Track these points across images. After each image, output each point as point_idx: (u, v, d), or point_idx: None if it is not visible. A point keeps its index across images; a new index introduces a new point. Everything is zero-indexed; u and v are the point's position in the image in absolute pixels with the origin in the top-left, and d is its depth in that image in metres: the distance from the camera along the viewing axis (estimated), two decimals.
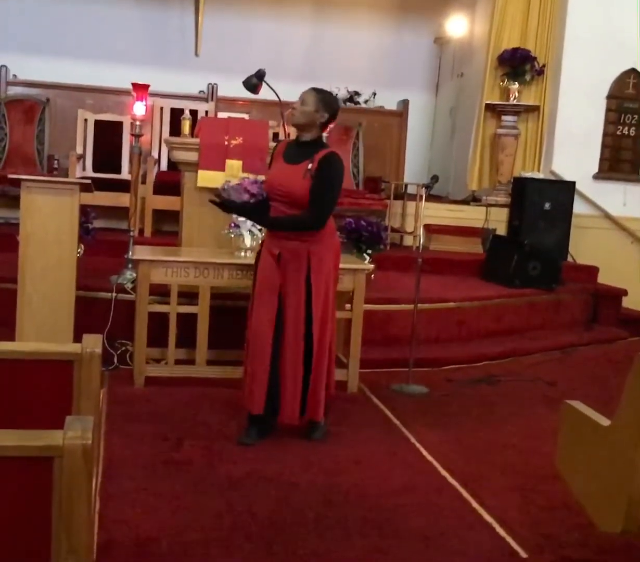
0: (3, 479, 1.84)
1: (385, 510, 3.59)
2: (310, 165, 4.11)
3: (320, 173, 4.11)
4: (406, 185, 8.71)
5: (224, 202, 4.23)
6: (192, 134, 6.22)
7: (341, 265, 5.15)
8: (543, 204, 8.15)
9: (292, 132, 4.91)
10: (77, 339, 2.62)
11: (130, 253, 5.69)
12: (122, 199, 7.03)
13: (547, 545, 3.36)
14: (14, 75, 9.18)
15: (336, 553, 3.19)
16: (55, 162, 8.37)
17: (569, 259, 8.29)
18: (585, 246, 8.40)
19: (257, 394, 4.24)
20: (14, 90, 8.86)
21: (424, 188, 5.96)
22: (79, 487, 1.86)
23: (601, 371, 6.31)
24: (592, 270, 8.13)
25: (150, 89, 6.10)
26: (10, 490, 1.85)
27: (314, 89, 4.23)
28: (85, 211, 5.69)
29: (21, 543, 1.89)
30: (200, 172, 5.65)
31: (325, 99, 4.19)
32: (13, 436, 1.87)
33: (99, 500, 3.41)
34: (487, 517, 3.58)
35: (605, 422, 3.16)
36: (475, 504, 3.71)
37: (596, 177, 8.69)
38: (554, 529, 3.51)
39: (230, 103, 9.08)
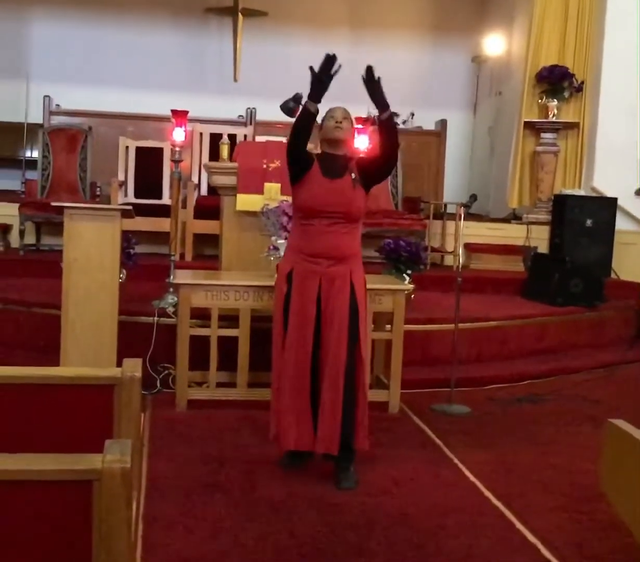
0: (43, 503, 1.86)
1: (428, 530, 3.57)
2: (353, 175, 4.10)
3: (362, 159, 4.23)
4: (445, 205, 8.70)
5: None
6: (230, 159, 6.28)
7: (381, 286, 5.20)
8: (584, 221, 8.09)
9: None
10: (121, 363, 2.66)
11: (172, 277, 5.75)
12: (163, 224, 7.12)
13: None
14: (57, 105, 9.38)
15: None
16: (98, 189, 8.51)
17: (612, 275, 8.21)
18: (629, 262, 8.33)
19: (298, 429, 4.09)
20: (57, 120, 9.05)
21: (462, 207, 5.95)
22: (118, 510, 1.87)
23: None
24: (636, 287, 8.03)
25: (189, 114, 6.17)
26: (50, 514, 1.87)
27: (344, 108, 4.23)
28: (127, 237, 5.77)
29: None
30: (239, 195, 5.71)
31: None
32: (52, 460, 1.89)
33: (142, 523, 3.44)
34: (531, 538, 3.55)
35: None
36: (519, 525, 3.68)
37: (638, 192, 8.62)
38: (599, 549, 3.47)
39: (268, 126, 9.16)
